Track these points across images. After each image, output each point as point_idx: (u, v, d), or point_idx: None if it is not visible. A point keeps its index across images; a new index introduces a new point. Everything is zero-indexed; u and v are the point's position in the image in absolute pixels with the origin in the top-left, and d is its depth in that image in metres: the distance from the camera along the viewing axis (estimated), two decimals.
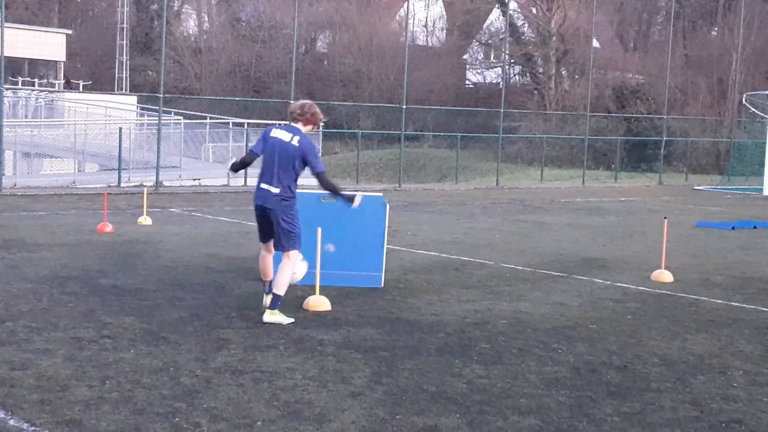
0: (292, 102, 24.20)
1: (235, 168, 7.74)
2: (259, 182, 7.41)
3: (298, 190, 7.57)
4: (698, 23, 46.13)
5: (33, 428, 4.73)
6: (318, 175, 7.31)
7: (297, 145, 7.33)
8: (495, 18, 47.68)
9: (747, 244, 14.01)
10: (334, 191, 7.49)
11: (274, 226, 7.39)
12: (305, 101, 7.72)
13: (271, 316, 7.30)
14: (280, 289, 7.34)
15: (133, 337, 6.67)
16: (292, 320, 7.34)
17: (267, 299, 7.58)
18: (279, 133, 7.45)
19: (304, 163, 7.33)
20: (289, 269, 7.40)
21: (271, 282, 7.56)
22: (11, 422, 4.80)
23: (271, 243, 7.55)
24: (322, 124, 7.77)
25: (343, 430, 4.88)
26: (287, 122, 7.73)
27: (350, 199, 7.57)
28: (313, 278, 8.13)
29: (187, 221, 14.82)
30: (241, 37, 47.18)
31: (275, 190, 7.31)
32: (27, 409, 5.00)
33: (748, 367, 6.48)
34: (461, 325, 7.51)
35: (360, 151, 30.91)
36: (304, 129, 7.50)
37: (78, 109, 29.67)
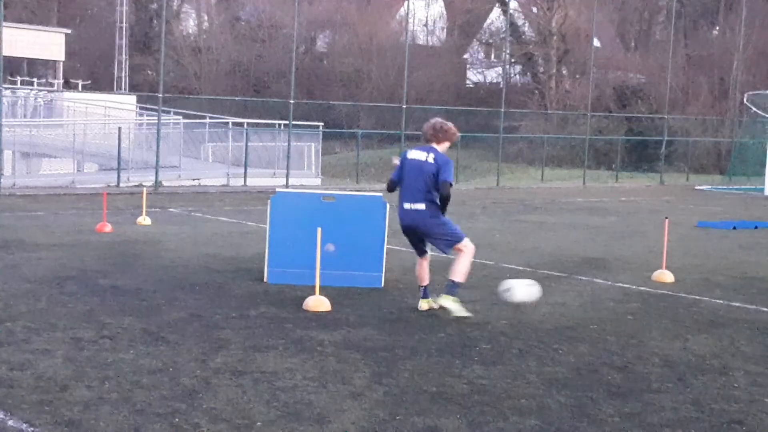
0: (291, 102, 24.27)
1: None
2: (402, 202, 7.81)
3: (297, 190, 7.59)
4: (699, 23, 46.10)
5: (32, 429, 4.71)
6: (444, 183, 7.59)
7: (432, 162, 7.65)
8: (495, 17, 47.68)
9: (748, 244, 13.99)
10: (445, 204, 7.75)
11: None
12: (436, 120, 7.96)
13: (450, 302, 7.61)
14: (459, 276, 7.71)
15: (133, 338, 6.65)
16: (469, 315, 7.64)
17: (423, 304, 7.95)
18: (415, 154, 7.80)
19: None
20: (466, 258, 7.76)
21: (426, 287, 7.98)
22: (10, 423, 4.79)
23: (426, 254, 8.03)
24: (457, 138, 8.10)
25: (343, 430, 4.86)
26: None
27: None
28: (313, 278, 8.12)
29: (186, 221, 14.81)
30: (241, 37, 47.15)
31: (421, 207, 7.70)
32: (26, 410, 4.98)
33: (750, 368, 6.46)
34: (461, 325, 7.49)
35: (360, 150, 30.89)
36: (440, 148, 7.80)
37: (77, 108, 29.62)
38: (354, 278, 9.00)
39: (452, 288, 7.67)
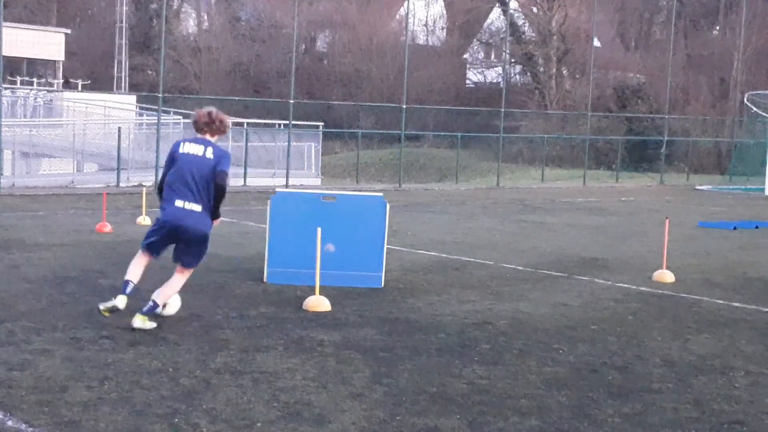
0: (291, 102, 24.26)
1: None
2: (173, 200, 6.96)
3: (297, 190, 7.53)
4: (700, 23, 46.10)
5: (31, 429, 4.71)
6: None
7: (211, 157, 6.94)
8: (495, 17, 47.67)
9: (748, 244, 13.98)
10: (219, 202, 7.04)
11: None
12: (211, 109, 7.21)
13: (142, 322, 6.82)
14: (164, 298, 7.00)
15: (132, 338, 6.64)
16: (154, 325, 6.85)
17: (121, 300, 6.91)
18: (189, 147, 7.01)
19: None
20: (181, 282, 7.14)
21: (133, 286, 6.99)
22: (9, 423, 4.78)
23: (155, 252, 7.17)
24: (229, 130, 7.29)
25: (343, 430, 4.86)
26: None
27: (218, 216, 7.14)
28: (313, 278, 8.11)
29: None
30: (241, 37, 47.17)
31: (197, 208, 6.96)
32: (25, 410, 4.97)
33: (750, 368, 6.45)
34: (461, 325, 7.49)
35: (360, 151, 30.90)
36: (213, 139, 7.11)
37: (77, 108, 29.62)
38: (354, 278, 8.99)
39: (153, 308, 6.90)
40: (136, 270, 7.08)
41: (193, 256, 7.16)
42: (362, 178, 29.74)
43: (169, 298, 7.16)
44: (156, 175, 21.89)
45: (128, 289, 6.96)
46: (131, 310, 6.90)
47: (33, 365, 5.84)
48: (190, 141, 7.06)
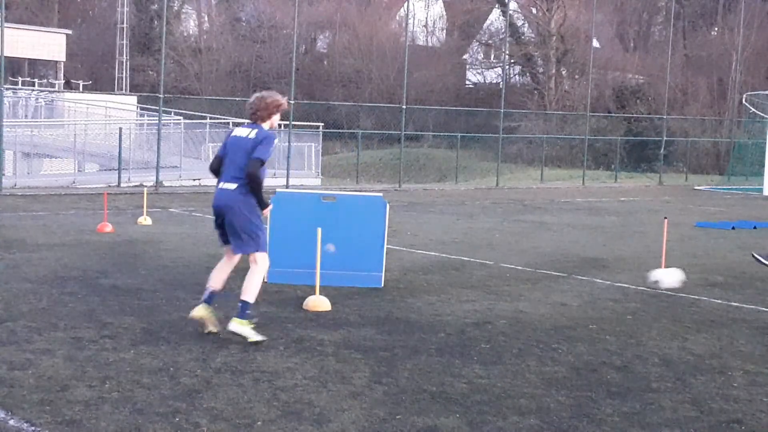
0: (292, 102, 24.29)
1: None
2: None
3: (298, 190, 7.50)
4: (698, 23, 46.12)
5: (33, 428, 4.73)
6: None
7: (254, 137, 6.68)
8: (495, 18, 47.68)
9: (747, 244, 14.00)
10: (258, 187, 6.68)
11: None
12: (256, 95, 6.96)
13: (239, 326, 6.54)
14: (249, 295, 6.62)
15: (133, 337, 6.66)
16: (264, 338, 6.57)
17: (200, 310, 6.73)
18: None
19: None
20: (258, 275, 6.70)
21: (213, 293, 6.83)
22: (11, 422, 4.80)
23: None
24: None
25: (343, 430, 4.88)
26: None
27: (264, 204, 6.77)
28: (313, 278, 8.14)
29: (187, 221, 14.82)
30: (241, 37, 47.21)
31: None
32: (27, 409, 4.99)
33: (748, 367, 6.48)
34: (461, 325, 7.51)
35: (360, 151, 30.91)
36: (266, 125, 6.81)
37: (78, 109, 29.66)
38: (354, 278, 9.01)
39: (243, 310, 6.56)
40: (216, 274, 6.87)
41: (238, 239, 6.65)
42: (362, 179, 29.76)
43: (256, 290, 6.65)
44: (157, 175, 21.96)
45: (207, 296, 6.78)
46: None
47: (34, 365, 5.86)
48: (243, 126, 6.87)
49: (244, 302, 6.59)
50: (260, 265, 6.72)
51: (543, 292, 9.17)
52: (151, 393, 5.36)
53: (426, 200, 21.27)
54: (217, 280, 6.89)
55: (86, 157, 26.89)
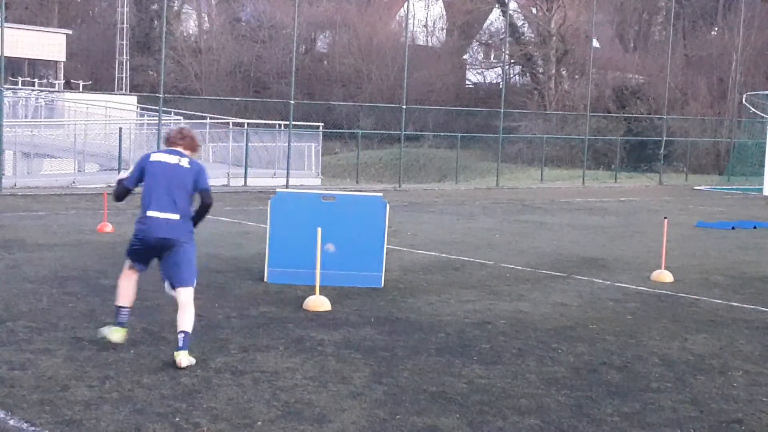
0: (292, 102, 24.28)
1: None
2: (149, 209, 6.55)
3: (298, 190, 7.49)
4: (698, 23, 46.09)
5: (33, 428, 4.73)
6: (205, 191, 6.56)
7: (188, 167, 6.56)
8: (495, 18, 47.67)
9: (747, 244, 14.01)
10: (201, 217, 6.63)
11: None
12: (182, 127, 7.00)
13: (188, 358, 6.11)
14: (190, 325, 6.25)
15: (133, 337, 6.66)
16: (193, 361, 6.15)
17: (116, 334, 6.44)
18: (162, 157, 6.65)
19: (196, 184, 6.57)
20: (192, 305, 6.36)
21: (128, 311, 6.56)
22: (11, 422, 4.81)
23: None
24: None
25: (343, 430, 4.88)
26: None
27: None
28: (313, 278, 8.14)
29: None
30: (241, 37, 47.18)
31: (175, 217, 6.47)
32: (27, 409, 5.00)
33: (748, 367, 6.48)
34: (461, 325, 7.51)
35: (360, 151, 30.90)
36: (186, 153, 6.69)
37: (78, 109, 29.64)
38: (354, 278, 9.02)
39: (186, 341, 6.14)
40: (126, 292, 6.58)
41: (178, 272, 6.42)
42: (362, 179, 29.75)
43: (192, 320, 6.35)
44: None
45: (122, 317, 6.50)
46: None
47: (34, 365, 5.86)
48: (162, 152, 6.70)
49: (188, 333, 6.20)
50: (191, 296, 6.42)
51: (543, 292, 9.17)
52: (151, 393, 5.36)
53: (426, 200, 21.27)
54: (130, 293, 6.62)
55: (86, 157, 26.87)
